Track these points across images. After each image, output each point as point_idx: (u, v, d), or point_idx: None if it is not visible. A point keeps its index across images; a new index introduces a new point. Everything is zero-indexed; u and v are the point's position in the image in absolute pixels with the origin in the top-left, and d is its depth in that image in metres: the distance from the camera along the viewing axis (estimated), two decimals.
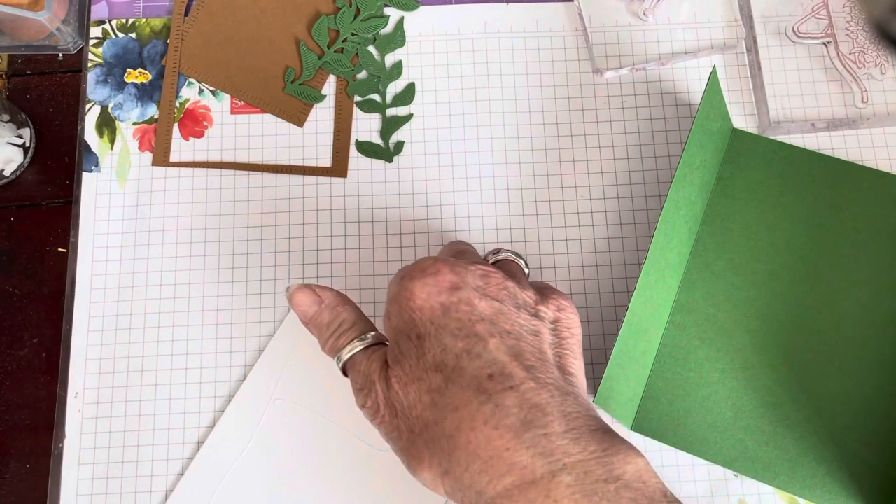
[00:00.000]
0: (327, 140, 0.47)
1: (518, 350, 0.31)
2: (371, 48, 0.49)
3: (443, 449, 0.30)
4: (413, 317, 0.32)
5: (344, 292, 0.45)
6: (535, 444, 0.29)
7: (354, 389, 0.34)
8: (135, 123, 0.47)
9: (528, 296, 0.34)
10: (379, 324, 0.40)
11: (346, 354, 0.35)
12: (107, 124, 0.47)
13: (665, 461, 0.42)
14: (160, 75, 0.48)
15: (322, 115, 0.48)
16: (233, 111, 0.48)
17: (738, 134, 0.47)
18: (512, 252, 0.39)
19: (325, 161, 0.47)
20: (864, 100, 0.47)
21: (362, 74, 0.48)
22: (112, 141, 0.47)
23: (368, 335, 0.35)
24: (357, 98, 0.48)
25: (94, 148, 0.47)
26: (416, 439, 0.31)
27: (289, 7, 0.49)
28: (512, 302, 0.33)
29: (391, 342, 0.34)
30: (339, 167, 0.47)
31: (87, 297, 0.44)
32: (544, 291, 0.35)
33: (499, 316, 0.32)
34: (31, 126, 0.48)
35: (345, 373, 0.36)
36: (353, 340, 0.35)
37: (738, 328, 0.44)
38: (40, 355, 0.45)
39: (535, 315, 0.33)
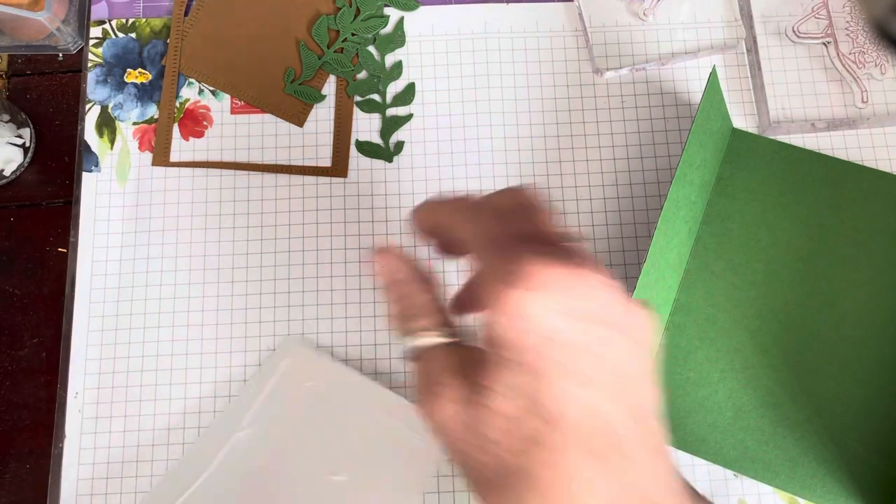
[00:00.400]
0: (327, 140, 0.47)
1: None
2: (371, 48, 0.49)
3: (517, 496, 0.25)
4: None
5: (344, 292, 0.45)
6: None
7: (423, 386, 0.28)
8: (135, 123, 0.47)
9: None
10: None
11: (421, 341, 0.30)
12: (107, 124, 0.47)
13: None
14: (160, 75, 0.48)
15: (322, 115, 0.48)
16: (233, 111, 0.48)
17: (738, 134, 0.47)
18: None
19: (325, 161, 0.47)
20: (864, 100, 0.47)
21: (362, 74, 0.48)
22: (112, 141, 0.47)
23: (449, 328, 0.30)
24: (357, 98, 0.48)
25: (94, 148, 0.47)
26: (484, 471, 0.26)
27: (289, 7, 0.49)
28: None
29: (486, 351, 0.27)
30: (339, 167, 0.47)
31: (87, 297, 0.44)
32: None
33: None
34: (31, 126, 0.48)
35: (410, 359, 0.30)
36: (429, 329, 0.30)
37: (738, 328, 0.44)
38: (40, 355, 0.45)
39: None
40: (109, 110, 0.48)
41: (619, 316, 0.26)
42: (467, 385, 0.27)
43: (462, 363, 0.28)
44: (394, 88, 0.48)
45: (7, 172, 0.47)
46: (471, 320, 0.32)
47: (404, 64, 0.49)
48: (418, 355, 0.30)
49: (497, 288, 0.26)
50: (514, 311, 0.25)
